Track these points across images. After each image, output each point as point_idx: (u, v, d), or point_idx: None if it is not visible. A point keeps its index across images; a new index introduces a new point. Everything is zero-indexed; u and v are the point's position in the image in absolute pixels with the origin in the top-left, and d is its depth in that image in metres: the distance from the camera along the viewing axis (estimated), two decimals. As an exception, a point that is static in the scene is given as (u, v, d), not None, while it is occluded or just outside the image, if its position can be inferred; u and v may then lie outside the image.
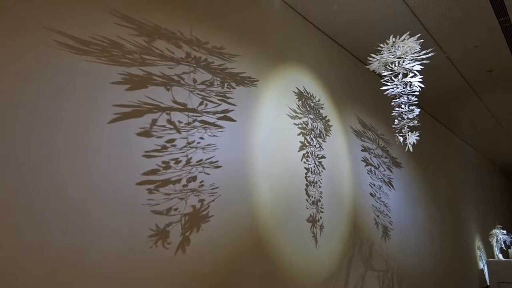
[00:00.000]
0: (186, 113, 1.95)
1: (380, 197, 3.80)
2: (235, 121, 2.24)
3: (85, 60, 1.59)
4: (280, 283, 2.29)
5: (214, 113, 2.11)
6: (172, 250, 1.72)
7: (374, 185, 3.75)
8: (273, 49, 2.80)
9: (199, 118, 2.01)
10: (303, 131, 2.83)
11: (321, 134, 3.04)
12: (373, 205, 3.62)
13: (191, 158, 1.91)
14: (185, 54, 2.03)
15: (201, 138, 2.00)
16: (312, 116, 2.97)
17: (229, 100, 2.23)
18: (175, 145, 1.85)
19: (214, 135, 2.07)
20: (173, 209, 1.76)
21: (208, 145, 2.03)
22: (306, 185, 2.71)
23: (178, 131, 1.88)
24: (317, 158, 2.90)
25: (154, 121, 1.78)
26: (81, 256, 1.41)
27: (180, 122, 1.91)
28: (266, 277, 2.22)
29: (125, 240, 1.57)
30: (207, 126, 2.05)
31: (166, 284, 1.67)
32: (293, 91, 2.86)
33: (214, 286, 1.88)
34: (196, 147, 1.95)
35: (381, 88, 2.26)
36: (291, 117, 2.75)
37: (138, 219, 1.63)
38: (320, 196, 2.80)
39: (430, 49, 2.15)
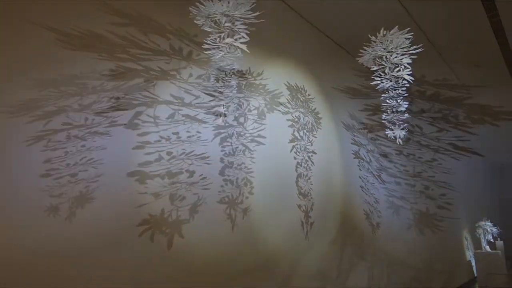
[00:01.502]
0: (177, 107, 1.94)
1: (370, 191, 3.84)
2: (226, 116, 2.23)
3: (78, 54, 1.57)
4: (272, 272, 2.32)
5: (206, 108, 2.11)
6: (164, 244, 1.73)
7: (364, 178, 3.78)
8: (263, 43, 2.78)
9: (191, 113, 2.01)
10: (294, 124, 2.83)
11: (313, 128, 3.05)
12: (363, 198, 3.65)
13: (182, 152, 1.91)
14: (171, 47, 2.01)
15: (188, 132, 1.99)
16: (302, 110, 2.97)
17: (219, 96, 2.22)
18: (167, 138, 1.85)
19: (198, 131, 2.06)
20: (167, 199, 1.77)
21: (205, 139, 2.03)
22: (297, 178, 2.72)
23: (159, 125, 1.88)
24: (307, 152, 2.91)
25: (138, 114, 1.78)
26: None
27: (171, 116, 1.90)
28: (257, 268, 2.23)
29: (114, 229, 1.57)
30: (197, 121, 2.04)
31: (160, 273, 1.68)
32: (284, 85, 2.85)
33: (205, 276, 1.90)
34: (188, 142, 1.95)
35: (371, 84, 2.27)
36: (282, 113, 2.75)
37: (128, 210, 1.64)
38: (310, 189, 2.82)
39: (420, 45, 2.15)
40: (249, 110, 2.45)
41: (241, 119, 2.37)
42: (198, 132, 2.04)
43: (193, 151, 1.97)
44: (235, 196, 2.18)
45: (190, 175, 1.93)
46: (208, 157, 2.05)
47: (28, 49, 1.44)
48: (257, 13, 1.95)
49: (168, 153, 1.84)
